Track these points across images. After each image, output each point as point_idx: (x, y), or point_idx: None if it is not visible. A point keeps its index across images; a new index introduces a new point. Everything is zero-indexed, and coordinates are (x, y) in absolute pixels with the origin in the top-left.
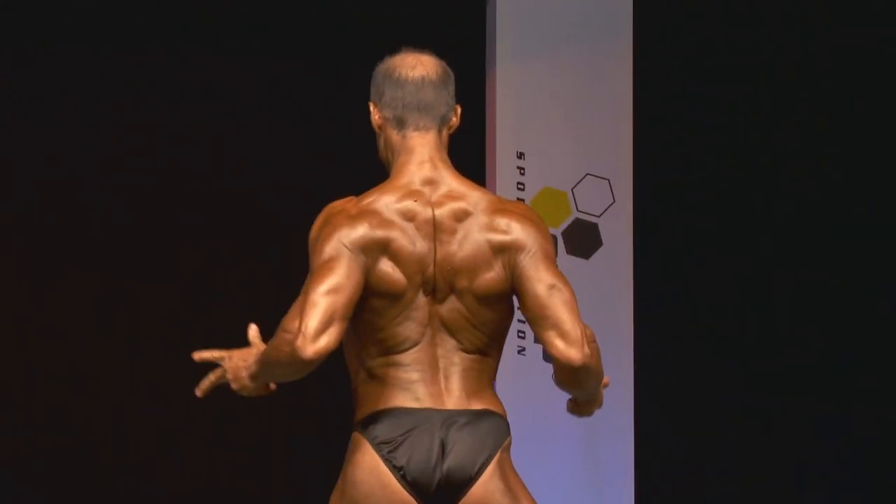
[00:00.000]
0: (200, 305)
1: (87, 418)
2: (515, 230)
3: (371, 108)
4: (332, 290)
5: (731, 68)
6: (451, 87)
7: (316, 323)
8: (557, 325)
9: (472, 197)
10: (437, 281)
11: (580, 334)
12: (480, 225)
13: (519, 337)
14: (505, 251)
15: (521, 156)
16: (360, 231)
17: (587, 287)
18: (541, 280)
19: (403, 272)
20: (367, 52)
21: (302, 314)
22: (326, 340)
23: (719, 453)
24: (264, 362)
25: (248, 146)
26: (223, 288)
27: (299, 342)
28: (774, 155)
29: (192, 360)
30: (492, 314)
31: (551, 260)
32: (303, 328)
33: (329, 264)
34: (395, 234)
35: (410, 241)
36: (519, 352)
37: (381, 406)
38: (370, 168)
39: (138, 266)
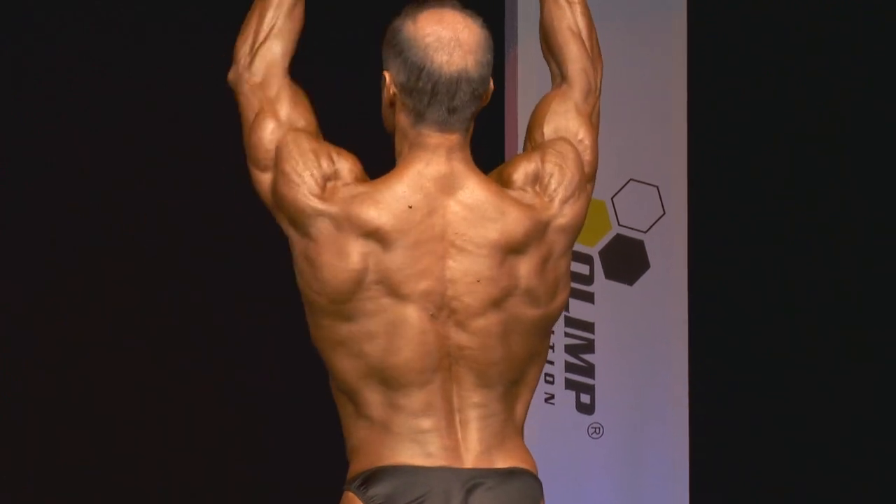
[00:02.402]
0: (197, 302)
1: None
2: (572, 205)
3: (386, 78)
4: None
5: (810, 47)
6: (490, 63)
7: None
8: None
9: (500, 200)
10: (452, 303)
11: None
12: (547, 234)
13: (547, 382)
14: (562, 239)
15: None
16: (300, 199)
17: (631, 319)
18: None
19: (318, 281)
20: (375, 29)
21: None
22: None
23: None
24: None
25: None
26: (221, 286)
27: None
28: (863, 154)
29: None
30: (537, 335)
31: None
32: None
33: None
34: (331, 241)
35: (359, 258)
36: (546, 399)
37: (384, 462)
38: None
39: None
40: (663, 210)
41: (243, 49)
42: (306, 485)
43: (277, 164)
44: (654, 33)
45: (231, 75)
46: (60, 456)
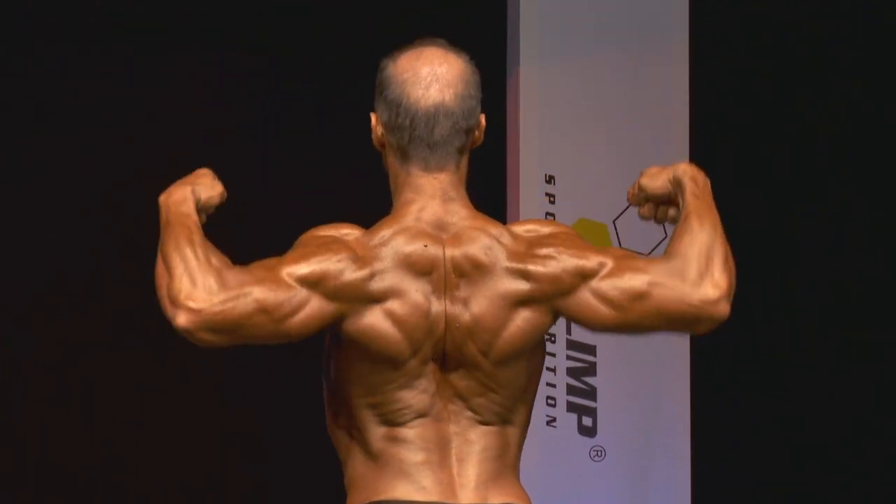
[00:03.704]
0: None
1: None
2: (545, 266)
3: (372, 119)
4: (268, 268)
5: (815, 70)
6: (474, 97)
7: (218, 284)
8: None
9: (486, 240)
10: (448, 345)
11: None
12: (497, 273)
13: (548, 405)
14: (533, 300)
15: (550, 180)
16: (358, 275)
17: (633, 347)
18: (600, 290)
19: (405, 336)
20: (373, 48)
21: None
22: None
23: None
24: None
25: (258, 161)
26: None
27: (181, 293)
28: (863, 154)
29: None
30: (518, 372)
31: (589, 258)
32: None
33: (304, 252)
34: (402, 290)
35: (423, 298)
36: (548, 423)
37: (379, 496)
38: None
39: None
40: (665, 233)
41: (185, 289)
42: (306, 485)
43: (318, 282)
44: (656, 57)
45: (191, 317)
46: (60, 456)
